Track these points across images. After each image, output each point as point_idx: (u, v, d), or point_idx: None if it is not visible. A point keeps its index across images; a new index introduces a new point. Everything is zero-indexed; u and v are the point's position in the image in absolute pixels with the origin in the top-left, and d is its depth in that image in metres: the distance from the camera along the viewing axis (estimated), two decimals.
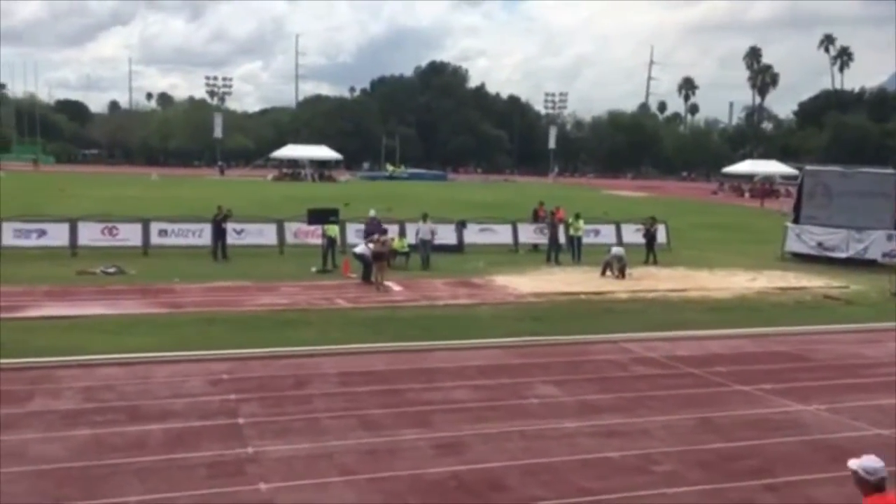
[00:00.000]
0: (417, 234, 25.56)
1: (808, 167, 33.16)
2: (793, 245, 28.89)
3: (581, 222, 27.45)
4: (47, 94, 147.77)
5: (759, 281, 23.68)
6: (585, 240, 27.64)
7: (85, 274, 21.47)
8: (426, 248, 24.95)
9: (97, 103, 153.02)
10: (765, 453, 9.85)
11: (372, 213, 25.81)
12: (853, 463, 5.26)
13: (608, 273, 23.43)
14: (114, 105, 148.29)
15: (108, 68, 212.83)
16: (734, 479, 9.02)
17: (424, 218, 25.69)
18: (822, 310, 19.79)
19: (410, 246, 25.39)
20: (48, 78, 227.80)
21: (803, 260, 27.86)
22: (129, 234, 25.99)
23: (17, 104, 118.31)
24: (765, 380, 13.00)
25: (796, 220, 29.21)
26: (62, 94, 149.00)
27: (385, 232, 23.13)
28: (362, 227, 25.52)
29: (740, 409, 11.57)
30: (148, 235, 26.01)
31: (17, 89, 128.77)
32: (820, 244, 28.12)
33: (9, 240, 24.68)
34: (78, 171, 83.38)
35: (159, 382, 12.06)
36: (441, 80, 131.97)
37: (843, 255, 27.44)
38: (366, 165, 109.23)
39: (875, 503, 5.13)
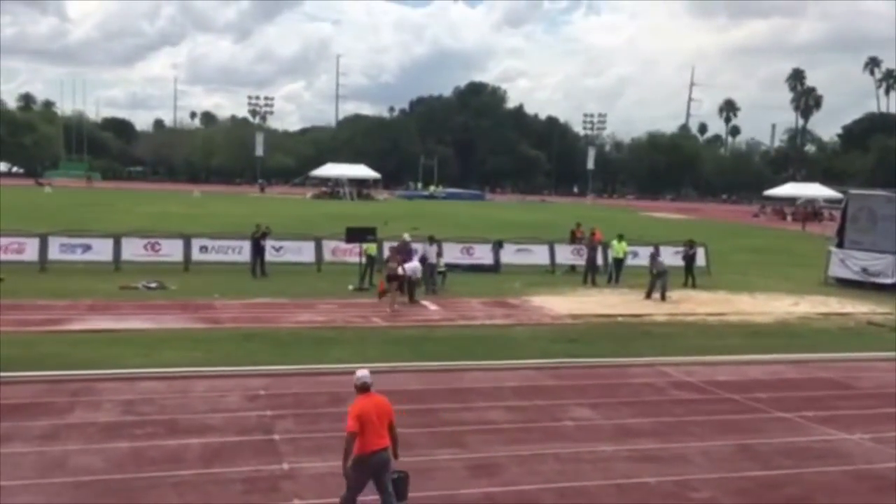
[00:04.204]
0: (423, 256, 23.76)
1: (853, 191, 32.58)
2: (836, 270, 28.36)
3: (624, 244, 27.15)
4: (95, 112, 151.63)
5: (802, 306, 23.27)
6: None
7: (127, 289, 21.86)
8: (431, 273, 23.64)
9: (144, 122, 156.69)
10: (805, 482, 9.64)
11: (406, 236, 25.67)
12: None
13: (654, 295, 23.18)
14: (158, 123, 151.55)
15: (157, 87, 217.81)
16: None
17: (430, 240, 24.70)
18: (866, 336, 19.37)
19: (447, 265, 25.35)
20: (99, 96, 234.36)
21: (847, 285, 27.32)
22: (171, 250, 26.44)
23: (64, 122, 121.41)
24: (806, 407, 12.75)
25: (840, 245, 28.68)
26: (110, 113, 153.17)
27: (410, 254, 23.02)
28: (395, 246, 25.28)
29: (781, 436, 11.36)
30: (189, 251, 26.44)
31: (66, 107, 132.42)
32: (864, 269, 27.55)
33: (55, 254, 25.28)
34: (123, 188, 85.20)
35: (197, 397, 12.21)
36: (479, 100, 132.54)
37: (888, 280, 26.82)
38: (410, 185, 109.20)
39: (361, 400, 7.69)
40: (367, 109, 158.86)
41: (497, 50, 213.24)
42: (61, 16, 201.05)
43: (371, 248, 24.46)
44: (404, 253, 23.33)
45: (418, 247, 24.45)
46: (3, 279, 21.69)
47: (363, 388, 7.81)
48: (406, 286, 21.47)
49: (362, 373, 7.93)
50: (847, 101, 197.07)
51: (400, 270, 20.78)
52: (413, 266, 21.51)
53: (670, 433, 11.26)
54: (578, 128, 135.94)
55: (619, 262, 26.80)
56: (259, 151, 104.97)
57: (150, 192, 79.52)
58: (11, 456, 9.44)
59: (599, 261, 27.52)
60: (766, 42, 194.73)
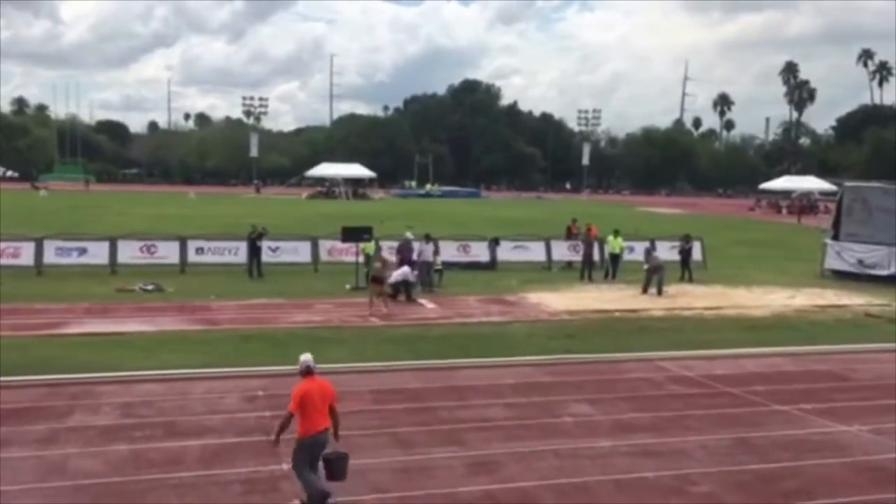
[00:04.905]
0: (419, 255, 23.78)
1: (848, 183, 32.61)
2: (832, 262, 28.40)
3: (620, 239, 27.12)
4: (89, 115, 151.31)
5: (798, 299, 23.30)
6: None
7: (124, 291, 21.83)
8: (428, 271, 23.59)
9: (138, 124, 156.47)
10: (804, 475, 9.67)
11: (409, 234, 25.53)
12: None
13: (650, 290, 23.22)
14: (153, 125, 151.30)
15: (151, 89, 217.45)
16: (773, 501, 8.87)
17: (427, 239, 24.45)
18: (863, 328, 19.41)
19: (443, 263, 25.33)
20: (92, 99, 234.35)
21: (843, 277, 27.35)
22: (167, 252, 26.40)
23: (58, 125, 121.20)
24: (804, 399, 12.78)
25: (836, 237, 28.71)
26: (104, 115, 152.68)
27: (412, 252, 23.02)
28: (395, 244, 25.27)
29: (779, 429, 11.38)
30: (185, 253, 26.39)
31: (59, 110, 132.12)
32: (860, 261, 27.60)
33: (50, 258, 25.22)
34: (118, 191, 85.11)
35: (196, 399, 12.21)
36: (474, 98, 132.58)
37: (884, 272, 26.88)
38: (406, 184, 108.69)
39: (305, 383, 8.19)
40: (362, 109, 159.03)
41: (491, 48, 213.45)
42: (54, 18, 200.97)
43: (369, 247, 24.43)
44: (405, 251, 23.34)
45: (416, 245, 24.45)
46: (0, 283, 21.65)
47: (307, 372, 8.27)
48: (403, 286, 21.52)
49: (305, 357, 8.36)
50: (841, 93, 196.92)
51: (391, 279, 20.83)
52: (403, 272, 21.57)
53: (669, 428, 11.29)
54: (573, 124, 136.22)
55: (615, 258, 26.79)
56: (254, 152, 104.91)
57: (146, 194, 79.41)
58: (10, 460, 9.43)
59: (596, 256, 27.54)
60: (760, 36, 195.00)
